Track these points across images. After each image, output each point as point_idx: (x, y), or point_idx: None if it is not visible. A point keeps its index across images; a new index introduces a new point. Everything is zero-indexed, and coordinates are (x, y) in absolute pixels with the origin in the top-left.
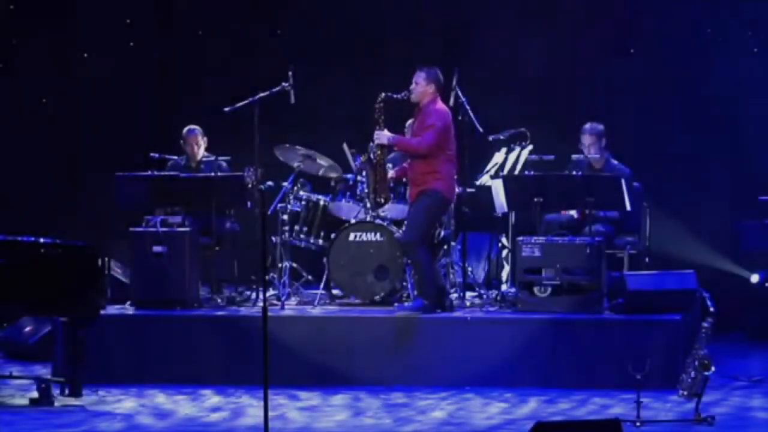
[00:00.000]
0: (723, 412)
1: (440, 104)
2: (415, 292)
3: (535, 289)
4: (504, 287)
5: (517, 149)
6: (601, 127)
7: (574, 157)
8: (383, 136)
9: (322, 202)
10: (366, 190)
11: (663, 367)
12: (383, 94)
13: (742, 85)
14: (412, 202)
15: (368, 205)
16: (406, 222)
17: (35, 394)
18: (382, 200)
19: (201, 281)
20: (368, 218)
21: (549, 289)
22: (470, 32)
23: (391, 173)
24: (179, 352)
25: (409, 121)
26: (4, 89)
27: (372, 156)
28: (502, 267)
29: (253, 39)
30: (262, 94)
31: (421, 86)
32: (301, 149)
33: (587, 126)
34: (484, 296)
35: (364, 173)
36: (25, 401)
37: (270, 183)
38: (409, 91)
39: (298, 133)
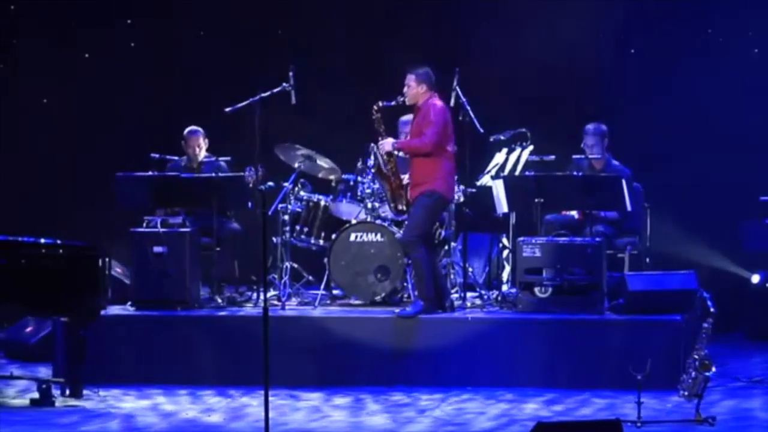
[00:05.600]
0: (724, 412)
1: (436, 101)
2: (416, 293)
3: (536, 290)
4: (505, 288)
5: (518, 149)
6: (604, 127)
7: (575, 157)
8: (387, 143)
9: (322, 203)
10: (376, 188)
11: (663, 367)
12: (378, 104)
13: (743, 85)
14: (413, 202)
15: (374, 205)
16: (406, 222)
17: (36, 395)
18: (404, 207)
19: (201, 282)
20: (369, 219)
21: (549, 290)
22: (470, 32)
23: (405, 179)
24: (180, 353)
25: (404, 117)
26: (4, 89)
27: (384, 167)
28: (503, 267)
29: (253, 39)
30: (262, 95)
31: (413, 88)
32: (302, 149)
33: (590, 126)
34: (485, 297)
35: (376, 182)
36: (25, 402)
37: (271, 183)
38: (403, 95)
39: (299, 134)
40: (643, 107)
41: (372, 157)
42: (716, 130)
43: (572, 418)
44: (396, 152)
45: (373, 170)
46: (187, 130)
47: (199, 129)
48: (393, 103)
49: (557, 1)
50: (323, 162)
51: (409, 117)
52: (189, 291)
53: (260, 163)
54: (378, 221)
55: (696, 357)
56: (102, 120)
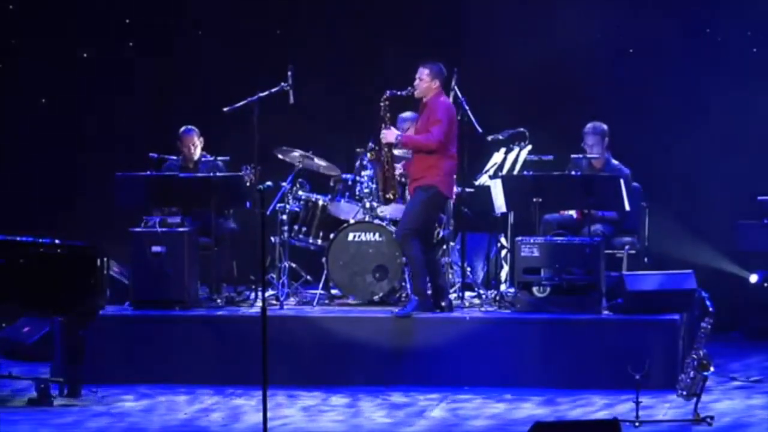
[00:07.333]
0: (722, 412)
1: (444, 98)
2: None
3: (534, 289)
4: (503, 287)
5: (516, 149)
6: (604, 126)
7: (574, 156)
8: (391, 134)
9: (321, 202)
10: (374, 187)
11: (662, 367)
12: (387, 92)
13: (742, 84)
14: (410, 196)
15: (372, 204)
16: (402, 216)
17: (34, 395)
18: (391, 196)
19: (200, 281)
20: (367, 218)
21: (548, 289)
22: (471, 34)
23: (399, 169)
24: (178, 353)
25: (407, 114)
26: (4, 89)
27: (381, 155)
28: (501, 267)
29: (252, 39)
30: (261, 94)
31: (425, 82)
32: (299, 151)
33: (590, 126)
34: (483, 296)
35: (369, 172)
36: (24, 401)
37: (269, 183)
38: (413, 87)
39: (298, 134)
40: (642, 107)
41: (371, 144)
42: (715, 130)
43: (570, 417)
44: (397, 145)
45: (369, 156)
46: (181, 129)
47: (194, 128)
48: (402, 93)
49: (556, 0)
50: (321, 162)
51: (408, 114)
52: (187, 291)
53: (259, 162)
54: (376, 221)
55: (694, 356)
56: (100, 119)
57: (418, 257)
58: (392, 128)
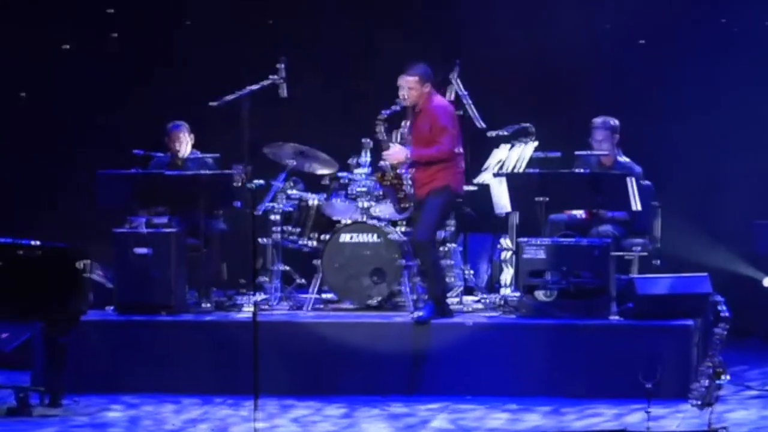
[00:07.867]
0: (737, 422)
1: (439, 100)
2: (416, 297)
3: (540, 293)
4: (507, 291)
5: (521, 145)
6: (614, 121)
7: (581, 153)
8: (399, 153)
9: (315, 202)
10: (371, 185)
11: (674, 375)
12: (382, 113)
13: (758, 78)
14: (422, 200)
15: (369, 204)
16: (419, 221)
17: (13, 404)
18: (407, 206)
19: (188, 285)
20: (363, 218)
21: (554, 293)
22: (472, 23)
23: (407, 178)
24: (164, 360)
25: (405, 123)
26: None
27: (386, 175)
28: (502, 270)
29: (242, 30)
30: (251, 88)
31: (416, 90)
32: (294, 145)
33: (599, 120)
34: (486, 300)
35: (365, 170)
36: (2, 411)
37: (260, 181)
38: (403, 99)
39: (290, 129)
40: (653, 101)
41: (364, 154)
42: (730, 126)
43: (577, 428)
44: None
45: (375, 177)
46: (170, 124)
47: (183, 123)
48: (396, 108)
49: None
50: (317, 156)
51: None
52: (174, 295)
53: (249, 159)
54: (373, 221)
55: (709, 364)
56: (83, 114)
57: (438, 263)
58: (397, 145)
